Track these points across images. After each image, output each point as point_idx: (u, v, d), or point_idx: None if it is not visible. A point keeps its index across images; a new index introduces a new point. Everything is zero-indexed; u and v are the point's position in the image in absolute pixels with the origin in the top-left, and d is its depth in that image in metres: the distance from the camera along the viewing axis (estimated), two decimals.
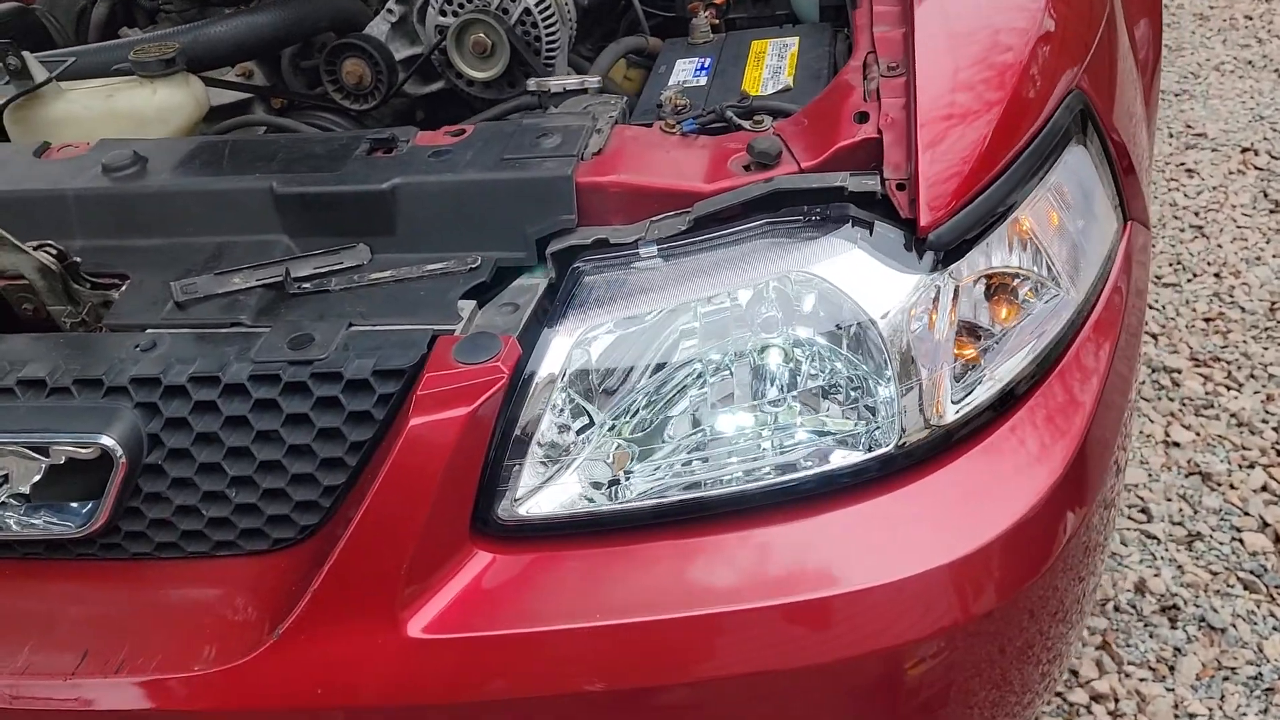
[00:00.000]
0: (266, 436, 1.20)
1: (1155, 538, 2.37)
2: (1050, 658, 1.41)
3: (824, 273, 1.22)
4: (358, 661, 1.17)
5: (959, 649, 1.24)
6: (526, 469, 1.21)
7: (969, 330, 1.29)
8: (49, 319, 1.35)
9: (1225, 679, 2.08)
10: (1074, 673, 2.11)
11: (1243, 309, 3.03)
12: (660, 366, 1.24)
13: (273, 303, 1.29)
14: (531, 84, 1.59)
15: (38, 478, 1.22)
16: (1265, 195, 3.53)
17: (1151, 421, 2.67)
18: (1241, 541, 2.35)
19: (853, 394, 1.25)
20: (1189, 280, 3.17)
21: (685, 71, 1.71)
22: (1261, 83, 4.21)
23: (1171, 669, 2.11)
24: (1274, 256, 3.24)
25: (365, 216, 1.34)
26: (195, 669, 1.18)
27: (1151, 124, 1.97)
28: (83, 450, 1.20)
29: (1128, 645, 2.16)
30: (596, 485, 1.24)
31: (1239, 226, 3.39)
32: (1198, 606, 2.22)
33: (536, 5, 1.81)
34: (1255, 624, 2.18)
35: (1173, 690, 2.07)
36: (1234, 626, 2.17)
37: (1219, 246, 3.30)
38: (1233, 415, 2.67)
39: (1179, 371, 2.82)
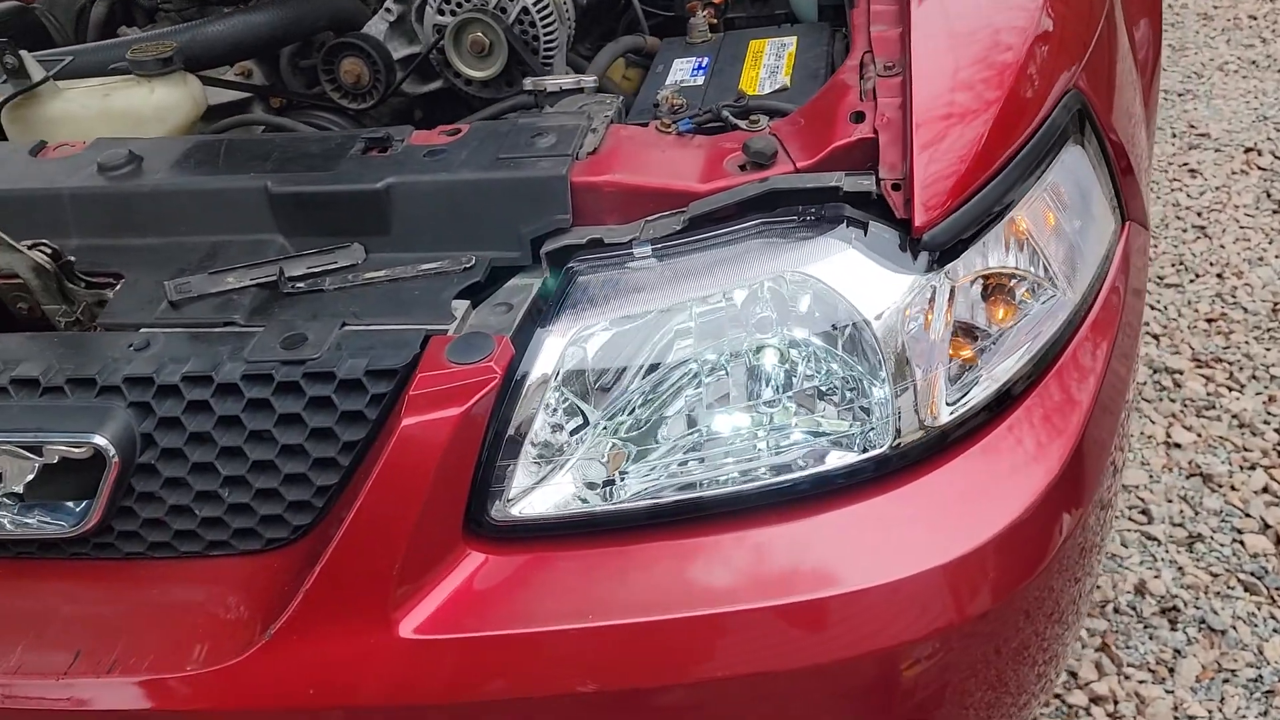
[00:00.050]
0: (259, 436, 1.19)
1: (1156, 539, 2.37)
2: (1046, 659, 1.41)
3: (818, 273, 1.21)
4: (350, 662, 1.16)
5: (954, 650, 1.23)
6: (520, 469, 1.21)
7: (966, 331, 1.29)
8: (44, 318, 1.35)
9: (1225, 681, 2.08)
10: (1073, 674, 2.10)
11: (1245, 310, 3.03)
12: (655, 367, 1.24)
13: (266, 302, 1.29)
14: (528, 83, 1.59)
15: (31, 477, 1.22)
16: (1268, 196, 3.52)
17: (1153, 422, 2.66)
18: (1242, 543, 2.34)
19: (848, 395, 1.24)
20: (1191, 281, 3.17)
21: (683, 71, 1.71)
22: (1265, 83, 4.20)
23: (1171, 671, 2.10)
24: (1276, 257, 3.23)
25: (360, 216, 1.33)
26: (187, 669, 1.18)
27: (1151, 124, 1.96)
28: (76, 450, 1.20)
29: (1127, 647, 2.15)
30: (591, 485, 1.24)
31: (1242, 227, 3.38)
32: (1198, 608, 2.21)
33: (534, 4, 1.81)
34: (1256, 626, 2.17)
35: (1172, 692, 2.06)
36: (1234, 628, 2.16)
37: (1221, 247, 3.29)
38: (1234, 416, 2.66)
39: (1181, 372, 2.81)
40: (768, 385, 1.25)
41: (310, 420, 1.18)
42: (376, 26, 1.94)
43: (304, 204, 1.35)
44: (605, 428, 1.23)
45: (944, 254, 1.23)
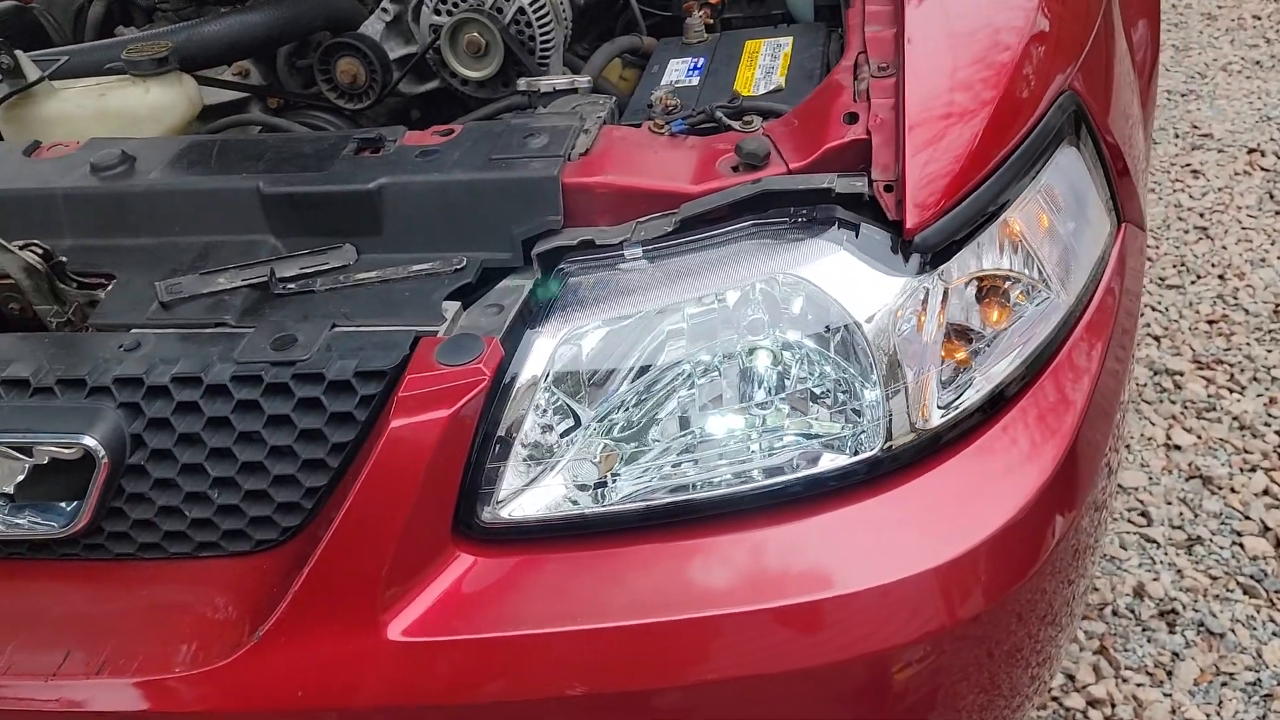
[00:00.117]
0: (249, 438, 1.19)
1: (1155, 541, 2.36)
2: (1039, 661, 1.40)
3: (809, 275, 1.21)
4: (338, 664, 1.16)
5: (946, 653, 1.23)
6: (510, 471, 1.20)
7: (960, 333, 1.28)
8: (36, 318, 1.35)
9: (1223, 685, 2.07)
10: (1070, 677, 2.09)
11: (1246, 311, 3.02)
12: (646, 368, 1.23)
13: (258, 303, 1.29)
14: (521, 84, 1.59)
15: (21, 477, 1.22)
16: (1271, 197, 3.51)
17: (1153, 424, 2.66)
18: (1242, 546, 2.33)
19: (840, 397, 1.24)
20: (1193, 282, 3.16)
21: (678, 71, 1.70)
22: (1269, 83, 4.18)
23: (1169, 674, 2.10)
24: (1279, 259, 3.22)
25: (351, 216, 1.33)
26: (176, 670, 1.18)
27: (1149, 125, 1.95)
28: (66, 450, 1.19)
29: (1125, 650, 2.14)
30: (582, 487, 1.23)
31: (1244, 228, 3.37)
32: (1197, 611, 2.20)
33: (530, 4, 1.81)
34: (1254, 629, 2.16)
35: (1170, 696, 2.06)
36: (1233, 631, 2.16)
37: (1223, 248, 3.28)
38: (1235, 418, 2.65)
39: (1181, 374, 2.81)
40: (760, 387, 1.25)
41: (299, 422, 1.18)
42: (373, 26, 1.94)
43: (296, 204, 1.34)
44: (597, 428, 1.23)
45: (936, 256, 1.23)
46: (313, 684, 1.16)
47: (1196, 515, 2.41)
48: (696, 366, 1.24)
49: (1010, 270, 1.31)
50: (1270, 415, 2.66)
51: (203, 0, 2.01)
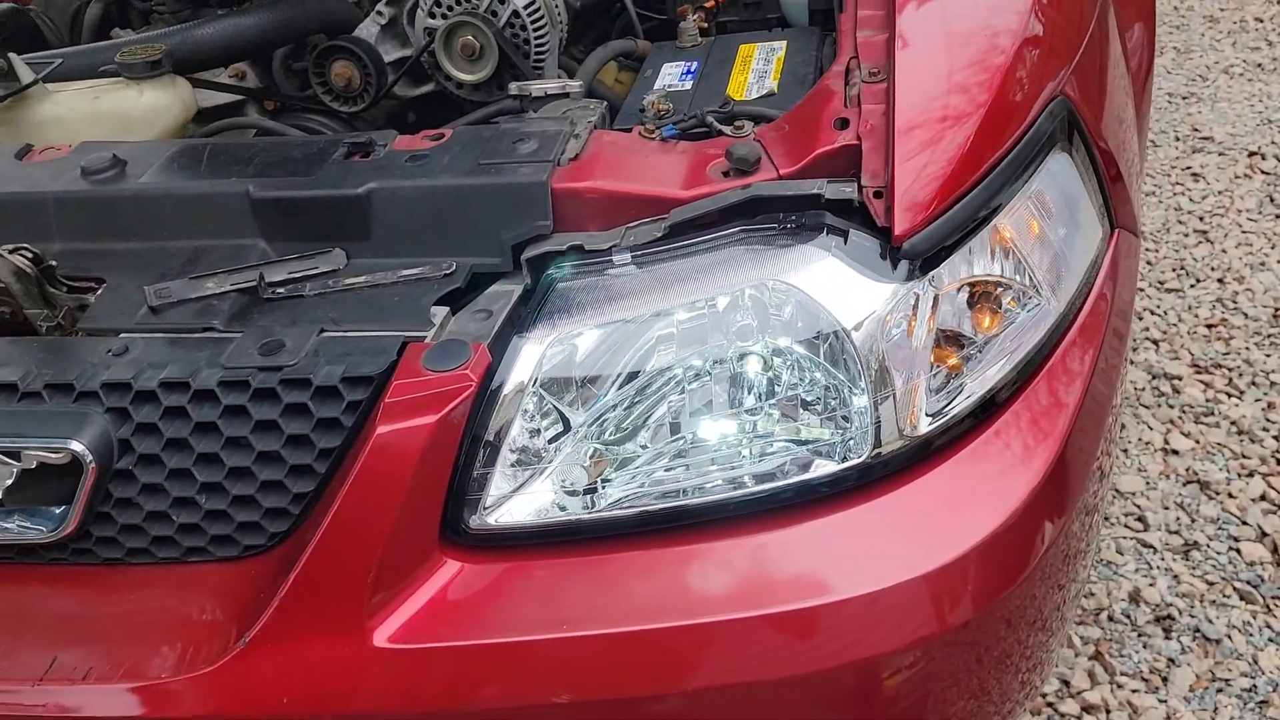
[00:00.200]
0: (236, 443, 1.19)
1: (1151, 546, 2.35)
2: (1030, 666, 1.40)
3: (798, 282, 1.20)
4: (324, 670, 1.16)
5: (936, 659, 1.22)
6: (497, 477, 1.20)
7: (952, 339, 1.28)
8: (26, 322, 1.34)
9: (1219, 691, 2.06)
10: (1065, 683, 2.09)
11: (1246, 315, 3.01)
12: (636, 373, 1.23)
13: (246, 308, 1.29)
14: (513, 88, 1.59)
15: (9, 482, 1.21)
16: (1271, 200, 3.50)
17: (1150, 429, 2.65)
18: (1239, 551, 2.33)
19: (830, 403, 1.23)
20: (1192, 286, 3.15)
21: (672, 75, 1.70)
22: (1270, 86, 4.17)
23: (1165, 680, 2.09)
24: (1278, 262, 3.21)
25: (340, 221, 1.33)
26: (163, 675, 1.18)
27: (1144, 130, 1.95)
28: (53, 455, 1.19)
29: (1121, 655, 2.14)
30: (571, 493, 1.23)
31: (1244, 231, 3.36)
32: (1193, 617, 2.20)
33: (525, 8, 1.80)
34: (1250, 635, 2.15)
35: (1165, 702, 2.05)
36: (1229, 637, 2.15)
37: (1223, 251, 3.28)
38: (1233, 423, 2.65)
39: (1180, 378, 2.80)
40: (751, 393, 1.24)
41: (287, 427, 1.18)
42: (368, 29, 1.94)
43: (285, 209, 1.34)
44: (587, 433, 1.23)
45: (925, 262, 1.22)
46: (299, 690, 1.16)
47: (1194, 520, 2.41)
48: (687, 371, 1.23)
49: (1001, 276, 1.30)
50: (1268, 420, 2.65)
51: (199, 2, 2.01)
